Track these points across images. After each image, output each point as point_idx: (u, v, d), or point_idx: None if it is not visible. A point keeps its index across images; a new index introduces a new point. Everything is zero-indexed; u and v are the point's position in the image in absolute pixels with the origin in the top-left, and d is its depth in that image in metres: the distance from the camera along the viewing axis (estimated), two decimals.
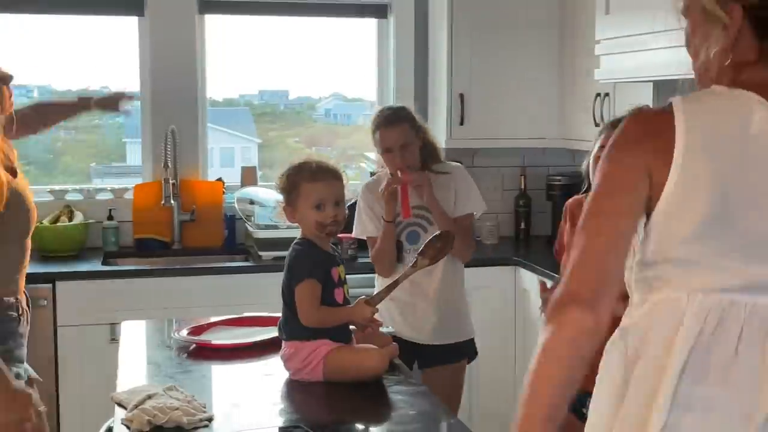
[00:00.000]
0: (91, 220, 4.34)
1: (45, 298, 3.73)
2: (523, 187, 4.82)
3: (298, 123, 5.35)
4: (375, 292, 3.15)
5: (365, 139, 5.10)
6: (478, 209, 3.36)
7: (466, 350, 3.38)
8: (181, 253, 4.44)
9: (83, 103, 3.34)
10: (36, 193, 3.09)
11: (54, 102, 3.18)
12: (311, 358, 2.34)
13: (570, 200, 2.89)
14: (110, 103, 3.43)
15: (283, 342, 2.42)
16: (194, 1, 4.51)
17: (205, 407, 2.12)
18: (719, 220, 1.41)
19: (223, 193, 4.57)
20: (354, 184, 3.36)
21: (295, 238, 2.49)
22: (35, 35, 4.56)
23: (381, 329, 2.55)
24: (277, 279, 3.90)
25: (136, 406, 2.06)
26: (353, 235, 3.43)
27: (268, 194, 4.45)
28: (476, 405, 4.12)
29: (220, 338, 2.75)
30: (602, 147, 2.64)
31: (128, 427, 2.01)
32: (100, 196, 4.52)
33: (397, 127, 3.21)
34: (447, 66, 4.43)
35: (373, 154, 3.69)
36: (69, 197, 4.46)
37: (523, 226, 4.81)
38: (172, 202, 4.39)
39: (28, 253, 2.72)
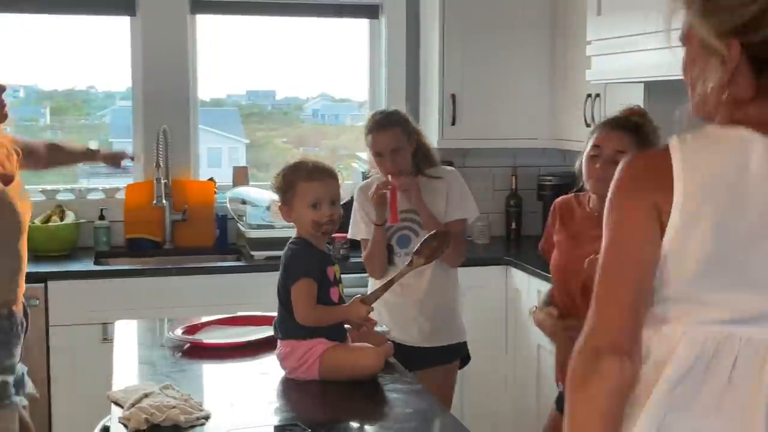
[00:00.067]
0: (82, 220, 4.34)
1: (37, 297, 3.72)
2: (514, 187, 4.84)
3: (285, 123, 5.35)
4: (368, 292, 3.17)
5: (353, 140, 5.14)
6: (470, 215, 3.35)
7: (457, 352, 3.38)
8: (172, 253, 4.44)
9: (90, 154, 3.51)
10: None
11: (65, 146, 3.32)
12: (307, 357, 2.35)
13: (558, 200, 2.91)
14: (113, 158, 3.64)
15: (279, 341, 2.42)
16: (186, 1, 4.51)
17: (201, 406, 2.12)
18: (718, 259, 1.42)
19: (215, 192, 4.57)
20: (346, 184, 3.36)
21: (287, 237, 2.50)
22: (24, 35, 4.55)
23: (376, 328, 2.55)
24: (269, 279, 3.91)
25: (132, 405, 2.06)
26: (348, 235, 3.44)
27: (260, 194, 4.46)
28: (467, 404, 4.14)
29: (214, 338, 2.76)
30: (595, 146, 2.66)
31: (125, 426, 2.01)
32: (92, 196, 4.52)
33: (389, 132, 3.21)
34: (438, 66, 4.44)
35: (365, 155, 3.69)
36: (60, 197, 4.46)
37: (514, 226, 4.83)
38: (164, 201, 4.39)
39: (20, 261, 2.71)
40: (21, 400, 2.73)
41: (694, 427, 1.44)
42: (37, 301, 3.72)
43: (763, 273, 1.43)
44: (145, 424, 1.99)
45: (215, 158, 5.08)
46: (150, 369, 2.48)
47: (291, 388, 2.36)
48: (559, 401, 2.83)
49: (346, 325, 2.47)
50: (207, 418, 2.07)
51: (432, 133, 4.38)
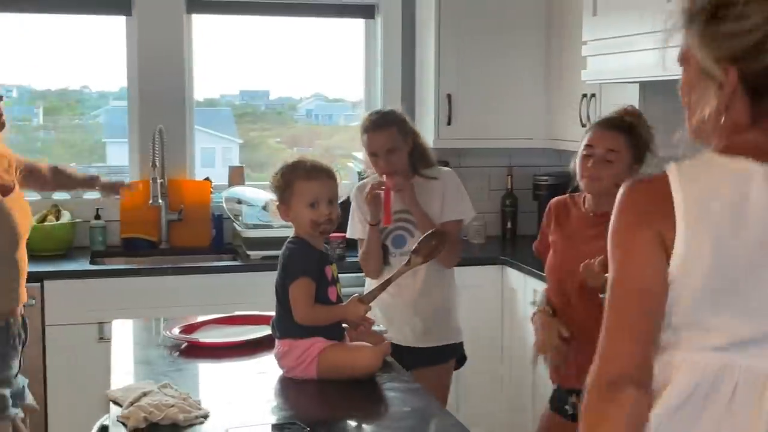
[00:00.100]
0: (78, 220, 4.34)
1: (33, 297, 3.70)
2: (509, 186, 4.85)
3: (279, 123, 5.35)
4: (365, 291, 3.18)
5: (347, 140, 5.15)
6: (466, 216, 3.35)
7: (452, 353, 3.37)
8: (168, 253, 4.44)
9: (90, 182, 3.49)
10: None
11: (68, 172, 3.33)
12: (305, 356, 2.35)
13: (553, 200, 2.91)
14: (112, 188, 3.59)
15: (277, 340, 2.43)
16: (182, 0, 4.50)
17: (199, 405, 2.13)
18: (719, 286, 1.43)
19: (211, 192, 4.58)
20: (342, 184, 3.37)
21: (283, 237, 2.50)
22: (17, 34, 4.54)
23: (373, 328, 2.56)
24: (265, 278, 3.91)
25: (131, 404, 2.07)
26: (347, 235, 3.45)
27: (256, 194, 4.47)
28: (463, 404, 4.14)
29: (211, 337, 2.76)
30: (588, 146, 2.68)
31: (124, 424, 2.01)
32: (88, 196, 4.51)
33: (384, 132, 3.21)
34: (434, 66, 4.45)
35: (361, 154, 3.70)
36: (56, 196, 4.45)
37: (509, 225, 4.84)
38: (160, 201, 4.39)
39: (18, 272, 2.71)
40: (18, 413, 2.73)
41: None
42: (33, 301, 3.72)
43: (763, 300, 1.44)
44: (144, 423, 2.00)
45: (209, 158, 5.07)
46: (148, 368, 2.49)
47: (289, 386, 2.36)
48: (553, 401, 2.84)
49: (343, 325, 2.48)
50: (206, 416, 2.08)
51: (428, 133, 4.39)
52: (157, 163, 4.35)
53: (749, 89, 1.45)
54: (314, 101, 5.40)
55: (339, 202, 2.49)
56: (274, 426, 2.03)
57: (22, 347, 2.82)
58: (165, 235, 4.48)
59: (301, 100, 5.37)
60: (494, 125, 4.52)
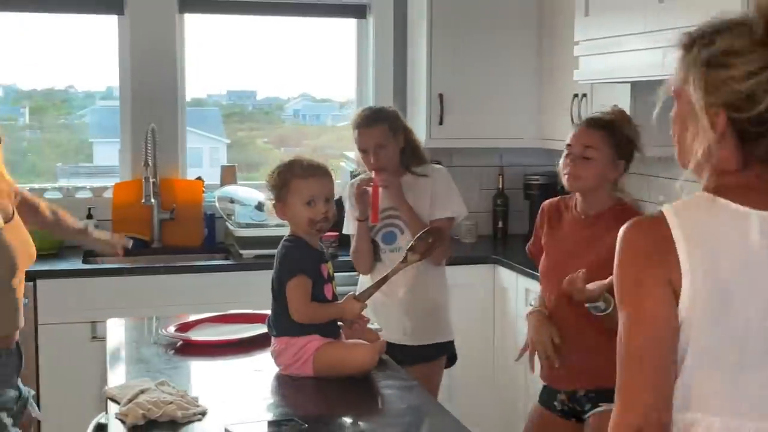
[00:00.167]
0: None
1: (26, 296, 3.69)
2: (500, 186, 4.87)
3: (266, 123, 5.35)
4: (358, 289, 3.19)
5: (334, 140, 5.16)
6: (457, 213, 3.35)
7: (443, 351, 3.38)
8: (160, 252, 4.44)
9: (84, 231, 3.30)
10: None
11: (66, 218, 3.23)
12: (302, 354, 2.36)
13: (546, 202, 2.92)
14: (107, 244, 3.36)
15: (273, 338, 2.44)
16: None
17: (197, 402, 2.14)
18: (727, 336, 1.45)
19: (203, 192, 4.58)
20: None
21: (276, 236, 2.51)
22: (4, 34, 4.53)
23: (368, 325, 2.57)
24: (258, 277, 3.95)
25: (129, 401, 2.08)
26: (343, 231, 3.46)
27: (248, 193, 4.48)
28: (455, 403, 4.14)
29: (206, 335, 2.77)
30: (567, 145, 2.70)
31: (123, 422, 2.02)
32: (80, 195, 4.52)
33: (375, 128, 3.23)
34: (426, 66, 4.47)
35: (353, 153, 3.71)
36: (48, 195, 4.45)
37: (500, 225, 4.86)
38: (152, 200, 4.39)
39: (14, 300, 2.73)
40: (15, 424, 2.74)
41: None
42: (26, 300, 3.71)
43: None
44: (143, 420, 2.00)
45: (196, 158, 5.07)
46: (144, 366, 2.49)
47: (285, 384, 2.37)
48: (542, 396, 2.85)
49: (338, 323, 2.49)
50: (203, 413, 2.09)
51: (420, 133, 4.39)
52: (150, 163, 4.35)
53: (738, 135, 1.47)
54: (301, 101, 5.41)
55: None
56: (272, 422, 2.05)
57: (18, 372, 2.83)
58: (157, 235, 4.48)
59: (288, 100, 5.37)
60: (486, 125, 4.54)
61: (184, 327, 2.82)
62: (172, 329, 2.76)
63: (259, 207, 4.33)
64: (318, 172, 2.43)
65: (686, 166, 1.53)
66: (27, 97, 4.91)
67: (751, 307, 1.45)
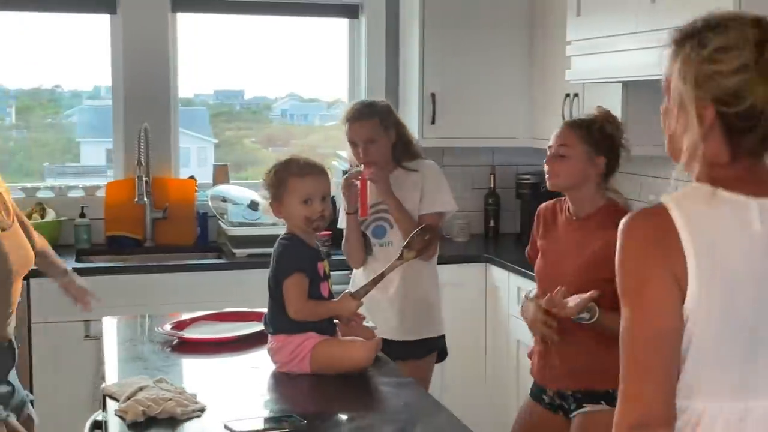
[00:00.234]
0: (63, 218, 4.34)
1: (19, 296, 3.71)
2: (492, 185, 4.89)
3: (254, 123, 5.36)
4: (350, 288, 3.20)
5: (322, 140, 5.17)
6: (446, 208, 3.36)
7: (433, 346, 3.39)
8: (153, 251, 4.45)
9: (65, 273, 3.22)
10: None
11: (53, 254, 3.21)
12: (299, 351, 2.38)
13: (541, 205, 2.94)
14: (76, 293, 3.20)
15: (270, 336, 2.45)
16: None
17: (195, 398, 2.15)
18: (735, 322, 1.46)
19: (195, 191, 4.59)
20: None
21: (269, 235, 2.52)
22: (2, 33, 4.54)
23: (364, 323, 2.58)
24: (251, 276, 3.97)
25: (128, 398, 2.08)
26: (338, 225, 3.47)
27: (241, 192, 4.49)
28: (447, 401, 4.13)
29: (202, 333, 2.78)
30: (549, 147, 2.73)
31: (122, 418, 2.03)
32: (72, 194, 4.52)
33: (366, 123, 3.24)
34: (419, 66, 4.49)
35: (345, 153, 3.72)
36: (40, 194, 4.45)
37: (492, 224, 4.88)
38: (145, 199, 4.40)
39: (9, 306, 2.74)
40: (10, 415, 2.75)
41: None
42: (19, 299, 3.71)
43: None
44: (143, 416, 2.01)
45: (184, 158, 5.06)
46: (142, 364, 2.50)
47: (282, 381, 2.39)
48: (532, 390, 2.87)
49: (334, 320, 2.51)
50: (202, 410, 2.10)
51: (412, 132, 4.41)
52: (143, 162, 4.35)
53: (726, 128, 1.49)
54: (289, 101, 5.42)
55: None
56: (270, 419, 2.06)
57: (10, 369, 2.84)
58: (150, 233, 4.48)
59: (276, 100, 5.38)
60: (478, 124, 4.56)
61: (180, 325, 2.83)
62: (168, 327, 2.77)
63: (252, 206, 4.34)
64: (314, 171, 2.45)
65: (677, 160, 1.55)
66: (13, 97, 4.89)
67: (758, 294, 1.46)
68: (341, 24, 4.90)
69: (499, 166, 4.92)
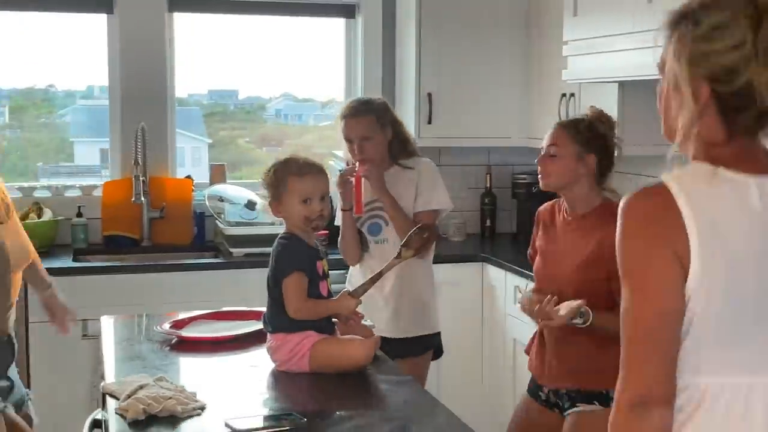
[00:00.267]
0: (60, 217, 4.34)
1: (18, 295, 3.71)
2: (488, 185, 4.90)
3: (248, 123, 5.36)
4: (345, 287, 3.22)
5: (316, 140, 5.18)
6: (441, 206, 3.36)
7: (429, 344, 3.40)
8: (150, 250, 4.45)
9: (48, 287, 3.20)
10: None
11: (41, 266, 3.19)
12: (298, 349, 2.39)
13: (541, 207, 2.96)
14: (55, 316, 3.19)
15: (269, 334, 2.46)
16: None
17: (196, 397, 2.16)
18: (739, 299, 1.47)
19: (192, 190, 4.59)
20: None
21: (266, 234, 2.52)
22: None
23: (362, 322, 2.59)
24: (248, 275, 3.98)
25: (129, 396, 2.09)
26: (335, 222, 3.48)
27: (238, 191, 4.50)
28: (443, 400, 4.15)
29: (200, 332, 2.79)
30: (541, 146, 2.75)
31: (123, 417, 2.04)
32: (69, 193, 4.52)
33: (362, 120, 3.25)
34: (415, 66, 4.50)
35: (341, 152, 3.73)
36: (37, 194, 4.45)
37: (488, 223, 4.90)
38: (142, 199, 4.40)
39: (7, 296, 2.75)
40: (7, 406, 2.75)
41: None
42: (17, 298, 3.72)
43: None
44: (143, 415, 2.02)
45: (179, 158, 5.07)
46: (141, 362, 2.51)
47: (281, 380, 2.40)
48: (530, 386, 2.89)
49: (333, 319, 2.52)
50: (202, 408, 2.11)
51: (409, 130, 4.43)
52: (140, 161, 4.36)
53: (721, 107, 1.50)
54: (283, 101, 5.42)
55: None
56: (271, 417, 2.07)
57: (9, 364, 2.85)
58: (147, 233, 4.49)
59: (270, 100, 5.38)
60: (474, 124, 4.57)
61: (179, 324, 2.84)
62: (166, 326, 2.78)
63: (249, 205, 4.35)
64: (313, 171, 2.46)
65: (672, 140, 1.56)
66: (6, 97, 4.89)
67: (759, 272, 1.47)
68: (337, 24, 4.90)
69: (495, 166, 4.93)
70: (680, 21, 1.52)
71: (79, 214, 4.40)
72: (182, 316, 2.93)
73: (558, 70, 3.95)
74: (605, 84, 3.75)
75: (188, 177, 4.64)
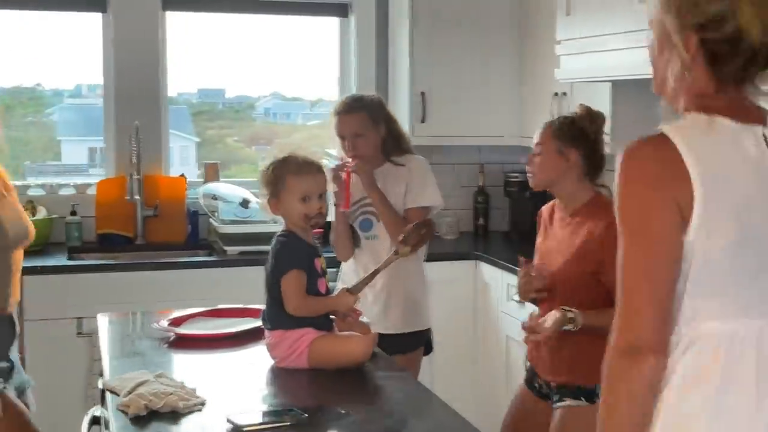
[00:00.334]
0: (54, 216, 4.35)
1: None
2: (481, 183, 4.93)
3: (236, 122, 5.37)
4: (339, 286, 3.23)
5: (305, 139, 5.18)
6: (432, 203, 3.35)
7: (421, 340, 3.41)
8: (144, 248, 4.46)
9: None
10: None
11: None
12: (297, 346, 2.41)
13: (543, 207, 2.98)
14: None
15: (267, 331, 2.47)
16: None
17: (196, 393, 2.17)
18: (741, 245, 1.50)
19: (185, 189, 4.60)
20: None
21: (259, 233, 2.53)
22: None
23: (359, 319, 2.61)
24: (243, 273, 4.00)
25: (130, 392, 2.11)
26: (328, 218, 3.49)
27: (231, 190, 4.51)
28: None
29: (198, 329, 2.80)
30: (533, 144, 2.78)
31: (125, 413, 2.05)
32: (63, 192, 4.53)
33: (354, 116, 3.26)
34: (408, 65, 4.51)
35: (335, 151, 3.75)
36: (31, 192, 4.46)
37: (481, 221, 4.92)
38: (136, 197, 4.41)
39: (8, 272, 2.75)
40: (7, 387, 2.77)
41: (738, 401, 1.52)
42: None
43: None
44: (145, 410, 2.03)
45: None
46: (140, 359, 2.52)
47: (280, 376, 2.41)
48: (527, 375, 2.92)
49: (331, 316, 2.54)
50: (203, 404, 2.12)
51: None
52: (135, 160, 4.37)
53: (709, 57, 1.53)
54: (272, 100, 5.43)
55: None
56: (272, 412, 2.09)
57: (10, 345, 2.85)
58: (141, 231, 4.49)
59: (258, 99, 5.39)
60: (467, 123, 4.59)
61: (176, 321, 2.85)
62: (164, 323, 2.79)
63: (243, 204, 4.36)
64: (312, 169, 2.47)
65: (662, 94, 1.59)
66: None
67: (762, 217, 1.50)
68: (329, 23, 4.92)
69: (488, 164, 4.95)
70: None
71: (74, 213, 4.41)
72: (178, 313, 2.93)
73: (550, 69, 3.97)
74: (597, 83, 3.77)
75: (182, 175, 4.65)
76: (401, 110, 4.58)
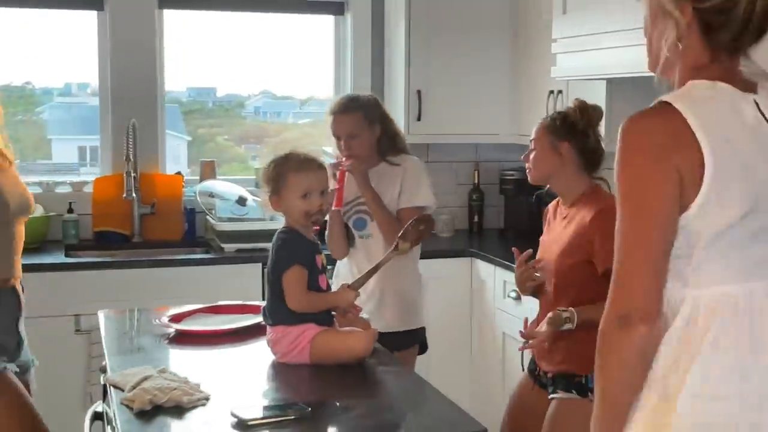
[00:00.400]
0: (51, 213, 4.35)
1: None
2: (476, 181, 4.95)
3: (227, 120, 5.38)
4: (332, 279, 3.25)
5: (296, 137, 5.19)
6: (425, 203, 3.36)
7: (415, 338, 3.42)
8: (141, 246, 4.47)
9: None
10: None
11: None
12: (298, 341, 2.42)
13: (549, 204, 3.00)
14: None
15: (269, 327, 2.49)
16: None
17: (199, 388, 2.19)
18: (750, 208, 1.52)
19: (182, 186, 4.61)
20: None
21: (257, 230, 2.54)
22: None
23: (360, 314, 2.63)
24: (240, 271, 4.02)
25: (134, 387, 2.12)
26: None
27: (228, 187, 4.52)
28: None
29: (199, 325, 2.81)
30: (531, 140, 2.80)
31: (129, 407, 2.06)
32: (60, 189, 4.53)
33: (349, 116, 3.27)
34: (404, 63, 4.53)
35: (331, 149, 3.76)
36: (29, 190, 4.45)
37: (476, 219, 4.94)
38: (133, 195, 4.42)
39: (11, 241, 2.76)
40: (11, 367, 2.79)
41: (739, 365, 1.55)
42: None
43: None
44: (150, 405, 2.05)
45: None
46: (142, 355, 2.54)
47: (282, 371, 2.43)
48: (530, 363, 2.94)
49: (332, 311, 2.56)
50: (207, 398, 2.14)
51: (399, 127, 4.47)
52: (131, 157, 4.38)
53: (703, 26, 1.56)
54: (262, 98, 5.44)
55: None
56: (276, 407, 2.10)
57: (17, 319, 2.88)
58: (138, 229, 4.50)
59: (249, 97, 5.39)
60: (462, 121, 4.60)
61: (176, 318, 2.86)
62: (165, 320, 2.80)
63: (240, 201, 4.37)
64: (313, 166, 2.49)
65: (657, 68, 1.61)
66: None
67: (765, 178, 1.52)
68: (324, 21, 4.93)
69: (483, 162, 4.98)
70: None
71: (70, 210, 4.41)
72: (178, 310, 2.95)
73: (546, 67, 3.99)
74: (593, 81, 3.79)
75: (178, 173, 4.66)
76: (397, 108, 4.60)
